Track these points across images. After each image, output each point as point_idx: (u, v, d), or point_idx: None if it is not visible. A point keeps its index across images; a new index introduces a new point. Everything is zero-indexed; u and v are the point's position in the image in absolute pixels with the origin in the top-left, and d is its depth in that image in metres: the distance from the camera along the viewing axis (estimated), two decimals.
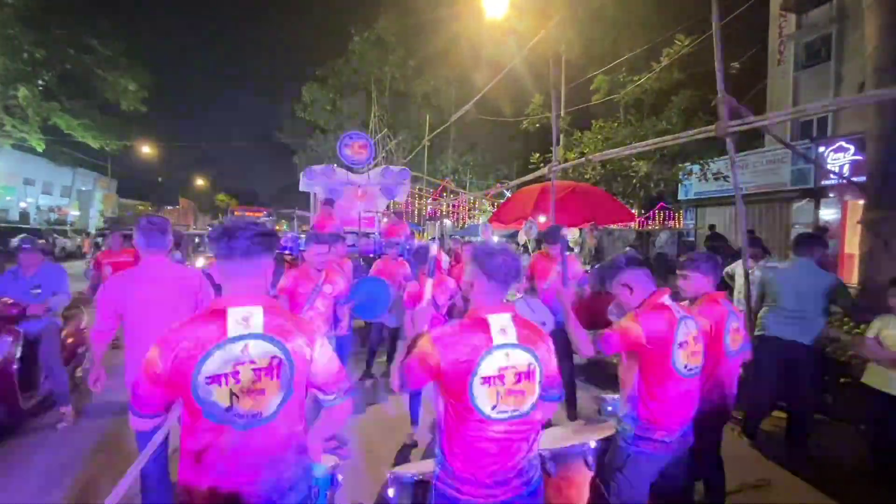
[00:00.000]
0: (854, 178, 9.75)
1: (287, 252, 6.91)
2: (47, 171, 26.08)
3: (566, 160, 9.31)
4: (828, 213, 12.54)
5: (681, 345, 1.91)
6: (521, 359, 1.50)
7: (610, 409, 2.52)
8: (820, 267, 3.62)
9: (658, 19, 11.94)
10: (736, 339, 2.40)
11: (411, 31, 18.82)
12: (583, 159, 7.24)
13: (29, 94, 15.59)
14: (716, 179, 11.64)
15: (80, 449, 3.44)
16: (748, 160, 14.11)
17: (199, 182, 48.50)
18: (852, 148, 11.03)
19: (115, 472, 2.91)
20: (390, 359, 5.59)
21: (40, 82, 16.16)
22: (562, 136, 11.09)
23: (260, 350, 1.33)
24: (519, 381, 1.49)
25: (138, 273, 2.39)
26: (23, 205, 24.42)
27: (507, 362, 1.48)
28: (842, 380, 3.97)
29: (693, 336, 1.96)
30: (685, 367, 1.92)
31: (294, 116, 21.80)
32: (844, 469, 3.35)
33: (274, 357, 1.34)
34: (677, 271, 2.57)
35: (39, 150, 17.87)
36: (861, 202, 5.50)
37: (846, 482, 3.17)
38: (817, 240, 3.75)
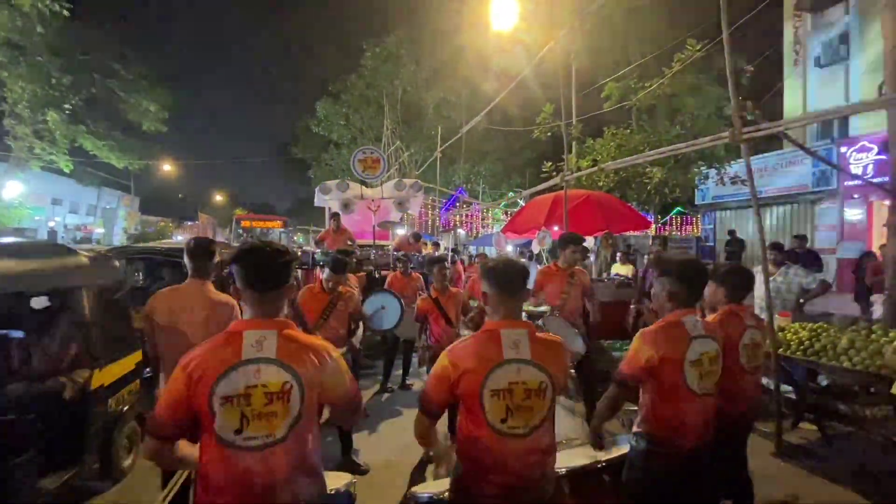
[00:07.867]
0: (877, 179, 9.48)
1: (304, 265, 6.99)
2: (74, 190, 27.07)
3: (579, 168, 9.25)
4: (852, 214, 12.19)
5: (693, 363, 1.86)
6: (532, 376, 1.51)
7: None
8: None
9: (667, 28, 11.87)
10: (754, 355, 2.34)
11: (421, 44, 19.07)
12: (595, 168, 7.19)
13: (57, 117, 16.24)
14: (733, 184, 11.41)
15: None
16: (768, 162, 13.82)
17: (218, 197, 49.52)
18: (876, 147, 10.73)
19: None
20: (406, 372, 5.60)
21: (67, 106, 16.77)
22: (574, 144, 11.03)
23: (272, 375, 1.35)
24: (528, 397, 1.50)
25: (176, 294, 2.43)
26: (51, 224, 25.31)
27: (517, 377, 1.50)
28: (871, 390, 3.82)
29: (710, 356, 1.90)
30: (699, 385, 1.87)
31: (308, 131, 22.22)
32: (879, 484, 3.21)
33: (286, 382, 1.35)
34: None
35: (67, 171, 18.53)
36: (887, 202, 5.34)
37: (878, 498, 3.04)
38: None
